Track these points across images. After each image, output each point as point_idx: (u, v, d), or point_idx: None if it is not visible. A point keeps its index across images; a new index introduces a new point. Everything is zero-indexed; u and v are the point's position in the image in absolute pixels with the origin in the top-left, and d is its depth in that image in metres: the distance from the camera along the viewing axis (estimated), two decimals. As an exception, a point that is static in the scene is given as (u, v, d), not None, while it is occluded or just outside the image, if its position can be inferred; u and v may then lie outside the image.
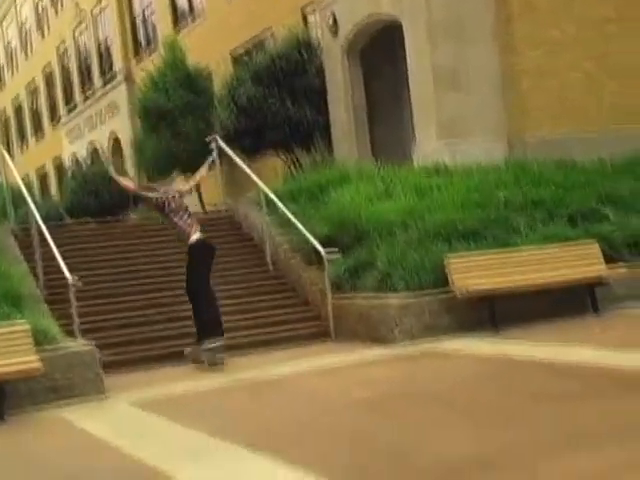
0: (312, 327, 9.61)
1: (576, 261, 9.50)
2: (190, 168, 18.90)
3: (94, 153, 28.61)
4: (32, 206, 9.94)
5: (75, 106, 31.49)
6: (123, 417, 6.53)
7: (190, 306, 8.54)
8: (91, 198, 18.89)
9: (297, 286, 10.38)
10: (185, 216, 8.54)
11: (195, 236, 8.46)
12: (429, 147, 13.05)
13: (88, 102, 29.85)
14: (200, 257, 8.44)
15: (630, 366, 6.22)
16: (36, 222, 9.81)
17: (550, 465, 4.08)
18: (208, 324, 8.20)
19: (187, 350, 8.44)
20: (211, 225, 12.15)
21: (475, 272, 9.01)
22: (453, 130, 12.93)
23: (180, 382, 7.57)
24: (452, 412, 5.52)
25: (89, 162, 26.26)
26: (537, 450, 4.39)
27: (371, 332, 8.94)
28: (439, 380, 6.73)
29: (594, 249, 9.67)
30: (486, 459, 4.32)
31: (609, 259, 9.68)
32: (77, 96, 31.36)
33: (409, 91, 13.69)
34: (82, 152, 29.27)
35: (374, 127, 15.71)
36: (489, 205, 10.34)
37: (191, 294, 8.42)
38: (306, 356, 8.39)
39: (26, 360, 6.91)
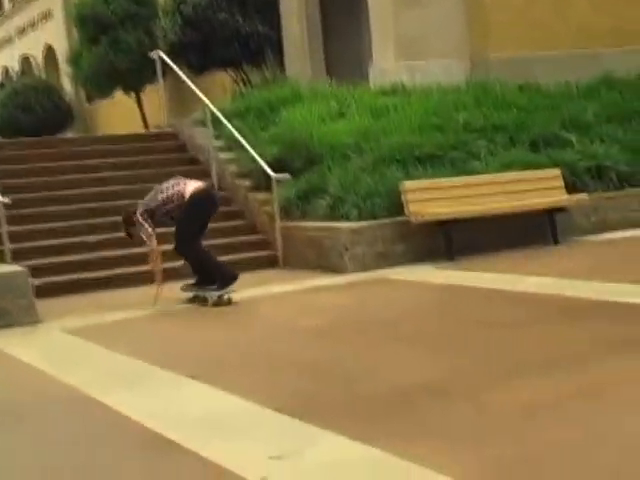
0: (260, 254, 9.68)
1: (537, 189, 9.65)
2: (132, 84, 18.72)
3: (26, 64, 27.88)
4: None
5: (3, 12, 30.55)
6: (56, 344, 6.55)
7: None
8: (23, 113, 18.48)
9: (245, 211, 10.40)
10: (172, 181, 7.63)
11: (194, 185, 7.55)
12: (386, 66, 13.00)
13: (18, 7, 28.96)
14: (200, 209, 7.56)
15: (584, 296, 6.40)
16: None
17: (497, 393, 4.23)
18: (223, 271, 7.56)
19: (189, 293, 7.72)
20: (154, 147, 12.06)
21: (431, 199, 9.12)
22: (412, 48, 12.87)
23: (118, 309, 7.60)
24: (402, 340, 5.66)
25: (20, 74, 25.59)
26: (486, 378, 4.54)
27: (321, 260, 9.04)
28: (390, 308, 6.88)
29: (556, 176, 9.82)
30: (435, 386, 4.46)
31: (571, 187, 9.86)
32: (5, 1, 30.40)
33: (367, 7, 13.56)
34: (13, 64, 28.52)
35: (329, 44, 15.56)
36: (448, 128, 10.40)
37: (187, 251, 7.66)
38: (253, 283, 8.45)
39: (-48, 284, 6.86)
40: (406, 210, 9.01)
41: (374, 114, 10.89)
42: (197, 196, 7.47)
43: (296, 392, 4.63)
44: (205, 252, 7.71)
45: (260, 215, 10.10)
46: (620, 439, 3.46)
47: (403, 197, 9.07)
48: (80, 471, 3.74)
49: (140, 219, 7.37)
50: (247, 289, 8.09)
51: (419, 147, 9.92)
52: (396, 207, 9.10)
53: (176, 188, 7.45)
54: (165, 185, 7.54)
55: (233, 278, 7.47)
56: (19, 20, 28.66)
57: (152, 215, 7.45)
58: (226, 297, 7.50)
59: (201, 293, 7.60)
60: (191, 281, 7.81)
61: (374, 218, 9.03)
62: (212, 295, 7.44)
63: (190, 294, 7.71)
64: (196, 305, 7.57)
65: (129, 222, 7.59)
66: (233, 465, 3.54)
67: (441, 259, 8.82)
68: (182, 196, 7.42)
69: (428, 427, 3.85)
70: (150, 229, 7.35)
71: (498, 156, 10.12)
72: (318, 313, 6.83)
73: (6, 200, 8.46)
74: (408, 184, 9.16)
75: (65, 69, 22.52)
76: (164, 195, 7.45)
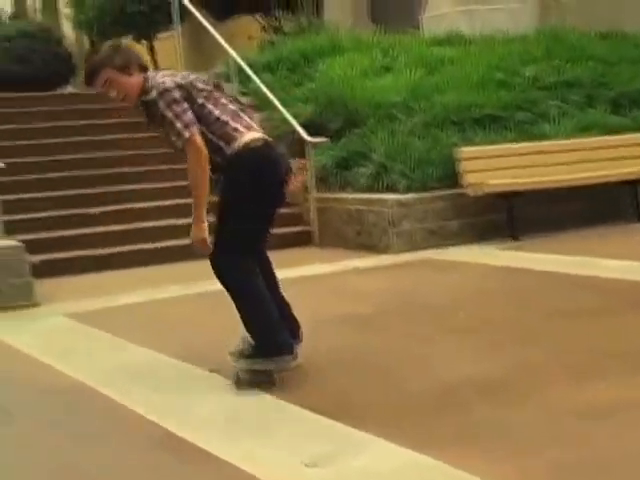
0: (291, 230, 9.71)
1: (619, 157, 9.62)
2: (143, 31, 18.79)
3: (19, 5, 28.07)
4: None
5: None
6: (56, 330, 6.65)
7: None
8: (18, 65, 18.64)
9: (273, 180, 10.44)
10: (229, 106, 4.83)
11: (250, 136, 4.73)
12: (442, 11, 12.96)
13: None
14: (258, 183, 4.68)
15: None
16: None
17: (563, 392, 4.27)
18: (269, 333, 4.80)
19: (240, 369, 4.87)
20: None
21: (493, 168, 9.13)
22: (473, -10, 12.83)
23: (128, 291, 7.69)
24: (456, 330, 5.69)
25: (13, 17, 25.77)
26: (551, 374, 4.57)
27: (363, 237, 9.08)
28: (442, 294, 6.90)
29: (641, 142, 9.77)
30: (492, 384, 4.50)
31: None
32: None
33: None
34: (5, 5, 28.75)
35: (375, -15, 15.54)
36: (513, 85, 10.38)
37: (226, 269, 4.83)
38: (283, 263, 8.43)
39: (-62, 261, 7.00)
40: (462, 181, 9.00)
41: (426, 68, 10.87)
42: (254, 155, 4.71)
43: (333, 389, 4.68)
44: (258, 286, 4.90)
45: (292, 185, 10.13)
46: None
47: (459, 166, 9.07)
48: (78, 475, 3.82)
49: (175, 91, 4.67)
50: (277, 270, 8.13)
51: (479, 107, 9.89)
52: (451, 177, 9.11)
53: (232, 124, 4.75)
54: (222, 108, 4.79)
55: (277, 351, 4.76)
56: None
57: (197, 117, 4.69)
58: (262, 376, 4.80)
59: (256, 378, 4.85)
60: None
61: (425, 190, 9.04)
62: (236, 365, 4.90)
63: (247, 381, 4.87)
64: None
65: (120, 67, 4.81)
66: (262, 472, 3.60)
67: (502, 238, 8.82)
68: (229, 142, 4.72)
69: (484, 430, 3.89)
70: (196, 126, 4.63)
71: (573, 118, 10.06)
72: (358, 299, 6.87)
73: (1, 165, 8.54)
74: (465, 151, 9.15)
75: (65, 12, 22.65)
76: (216, 116, 4.75)
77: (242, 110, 4.90)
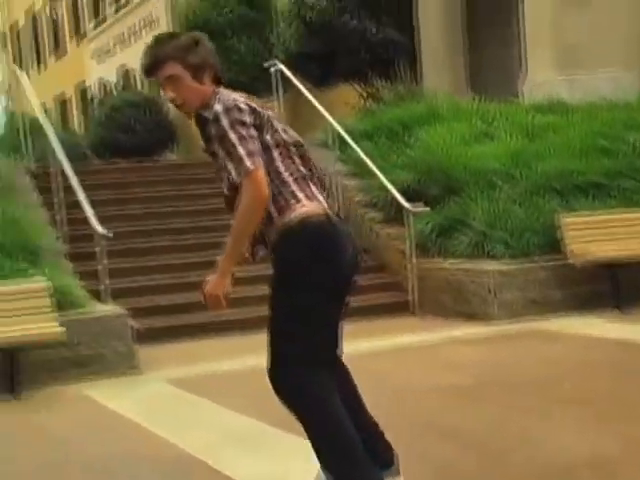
0: (389, 297, 9.72)
1: None
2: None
3: (126, 77, 28.96)
4: (54, 140, 10.15)
5: (104, 19, 31.87)
6: (159, 397, 6.76)
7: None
8: (123, 134, 19.19)
9: (371, 247, 10.46)
10: (299, 167, 3.78)
11: (310, 208, 3.70)
12: (542, 78, 12.95)
13: (120, 14, 30.17)
14: (319, 257, 3.68)
15: None
16: (58, 161, 10.03)
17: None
18: (349, 467, 3.75)
19: None
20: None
21: (596, 236, 9.04)
22: (573, 57, 12.81)
23: (228, 358, 7.77)
24: (561, 404, 5.61)
25: (120, 88, 26.60)
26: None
27: (463, 306, 9.03)
28: (546, 366, 6.80)
29: None
30: (603, 462, 4.40)
31: None
32: (106, 6, 31.73)
33: (517, 10, 13.59)
34: (111, 77, 29.67)
35: (473, 53, 15.62)
36: (617, 152, 10.28)
37: (288, 383, 3.89)
38: (381, 332, 8.51)
39: (45, 325, 7.13)
40: (565, 249, 8.92)
41: (527, 135, 10.87)
42: (312, 231, 3.69)
43: (432, 460, 4.65)
44: (335, 410, 3.80)
45: (389, 252, 10.16)
46: None
47: (562, 234, 8.99)
48: None
49: (246, 113, 3.69)
50: (375, 339, 8.15)
51: (581, 174, 9.83)
52: (553, 245, 9.05)
53: (292, 188, 3.73)
54: (288, 164, 3.77)
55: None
56: (120, 28, 29.85)
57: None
58: None
59: None
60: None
61: (526, 257, 8.99)
62: None
63: None
64: None
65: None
66: None
67: (606, 308, 8.67)
68: (282, 210, 3.73)
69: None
70: (262, 159, 3.63)
71: (679, 186, 9.90)
72: (457, 369, 6.83)
73: (106, 232, 8.69)
74: (568, 218, 9.08)
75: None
76: (277, 169, 3.74)
77: (314, 180, 3.81)
